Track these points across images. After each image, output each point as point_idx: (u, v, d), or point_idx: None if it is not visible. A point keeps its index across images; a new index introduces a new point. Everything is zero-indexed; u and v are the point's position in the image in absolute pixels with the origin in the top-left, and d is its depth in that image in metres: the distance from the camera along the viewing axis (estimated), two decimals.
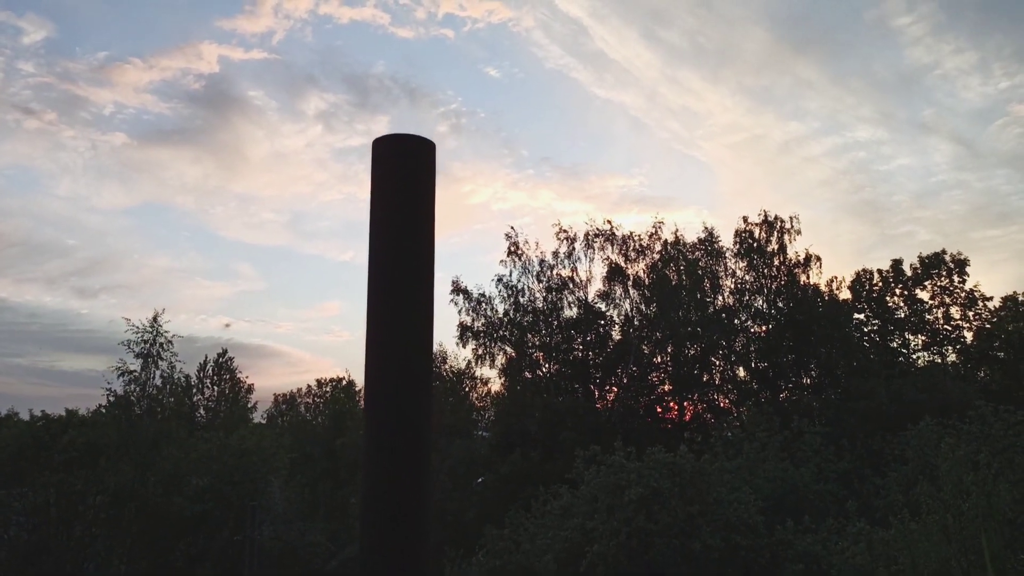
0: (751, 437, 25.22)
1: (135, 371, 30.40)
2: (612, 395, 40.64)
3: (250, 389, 56.98)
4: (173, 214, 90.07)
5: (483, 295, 40.83)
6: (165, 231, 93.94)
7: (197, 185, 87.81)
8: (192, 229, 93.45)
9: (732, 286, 41.19)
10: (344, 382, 65.40)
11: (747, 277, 40.83)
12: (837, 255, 78.63)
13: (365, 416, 1.93)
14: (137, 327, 30.30)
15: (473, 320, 40.45)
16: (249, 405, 57.07)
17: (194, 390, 53.80)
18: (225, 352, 56.61)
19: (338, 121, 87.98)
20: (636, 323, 40.74)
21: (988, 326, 42.20)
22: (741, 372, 40.71)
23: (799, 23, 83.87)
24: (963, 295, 41.81)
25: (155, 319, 30.66)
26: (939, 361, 41.44)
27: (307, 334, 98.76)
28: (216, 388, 55.12)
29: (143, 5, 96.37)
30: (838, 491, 22.92)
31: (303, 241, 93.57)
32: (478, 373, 44.14)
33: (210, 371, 55.33)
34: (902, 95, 77.10)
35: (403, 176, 2.02)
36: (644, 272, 41.14)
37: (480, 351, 40.37)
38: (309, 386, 67.02)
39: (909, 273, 42.50)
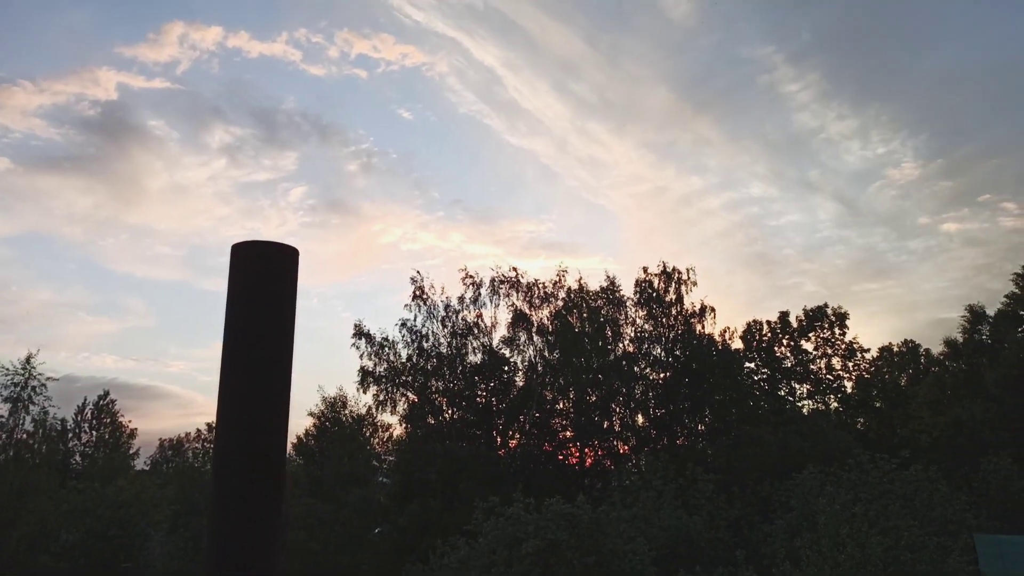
0: (648, 485, 25.70)
1: (1, 416, 28.06)
2: (515, 442, 40.60)
3: (132, 434, 53.58)
4: (58, 245, 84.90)
5: (386, 339, 40.27)
6: (49, 263, 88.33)
7: (87, 215, 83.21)
8: (79, 261, 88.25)
9: (632, 334, 42.30)
10: None
11: (646, 326, 42.03)
12: (731, 304, 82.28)
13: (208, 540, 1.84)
14: (7, 369, 28.06)
15: (375, 365, 39.74)
16: (131, 451, 53.60)
17: (70, 435, 50.13)
18: (107, 394, 53.19)
19: (244, 155, 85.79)
20: (539, 369, 41.07)
21: (866, 376, 44.99)
22: (640, 419, 41.60)
23: (699, 85, 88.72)
24: (843, 346, 44.48)
25: (28, 360, 28.51)
26: (823, 408, 43.71)
27: (201, 374, 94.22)
28: (95, 433, 51.55)
29: (38, 26, 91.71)
30: (729, 539, 23.57)
31: (201, 276, 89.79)
32: (379, 419, 43.24)
33: (89, 414, 51.77)
34: (791, 155, 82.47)
35: (263, 285, 1.97)
36: (548, 319, 41.69)
37: (382, 396, 39.60)
38: (199, 430, 63.60)
39: (795, 324, 44.91)
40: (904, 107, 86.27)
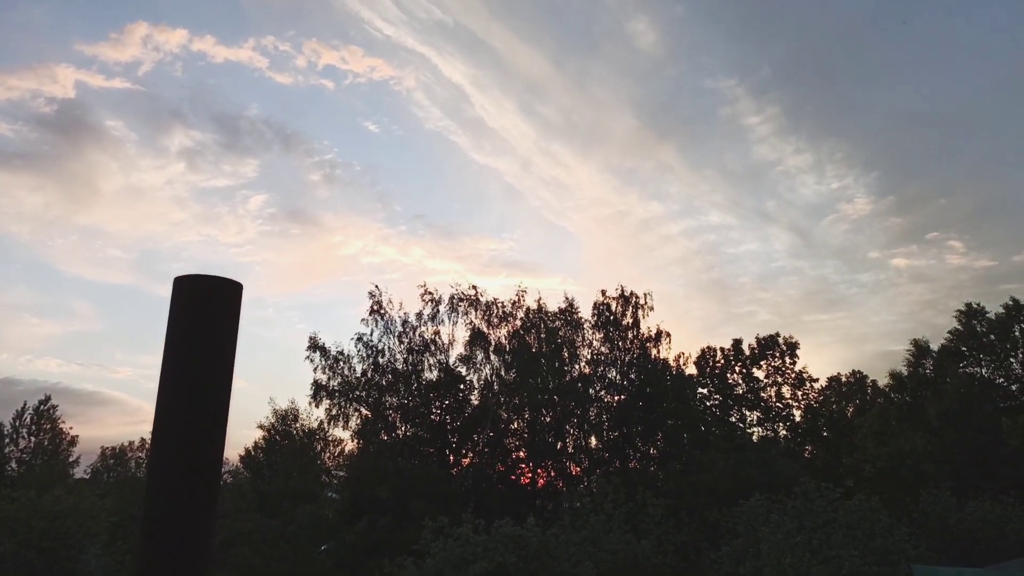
0: (598, 508, 25.76)
1: None
2: (468, 460, 40.38)
3: (73, 441, 51.84)
4: (4, 243, 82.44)
5: (341, 353, 39.82)
6: None
7: (36, 214, 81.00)
8: (25, 261, 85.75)
9: (589, 356, 42.54)
10: None
11: (603, 348, 42.33)
12: (687, 329, 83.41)
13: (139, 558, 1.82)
14: None
15: (329, 379, 39.24)
16: (70, 459, 51.84)
17: (6, 440, 48.34)
18: (48, 399, 51.45)
19: (204, 160, 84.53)
20: (495, 388, 41.00)
21: (815, 405, 45.93)
22: (593, 441, 41.75)
23: (662, 113, 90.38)
24: (793, 375, 45.39)
25: None
26: (772, 436, 44.45)
27: (148, 381, 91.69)
28: (33, 439, 49.76)
29: None
30: (676, 564, 23.73)
31: (152, 281, 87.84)
32: (331, 434, 42.62)
33: (28, 420, 49.98)
34: (750, 186, 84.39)
35: (204, 320, 1.96)
36: (506, 338, 41.71)
37: (335, 411, 39.09)
38: (143, 439, 61.97)
39: (748, 352, 45.70)
40: (858, 145, 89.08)
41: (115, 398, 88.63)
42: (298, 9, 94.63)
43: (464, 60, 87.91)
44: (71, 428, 52.16)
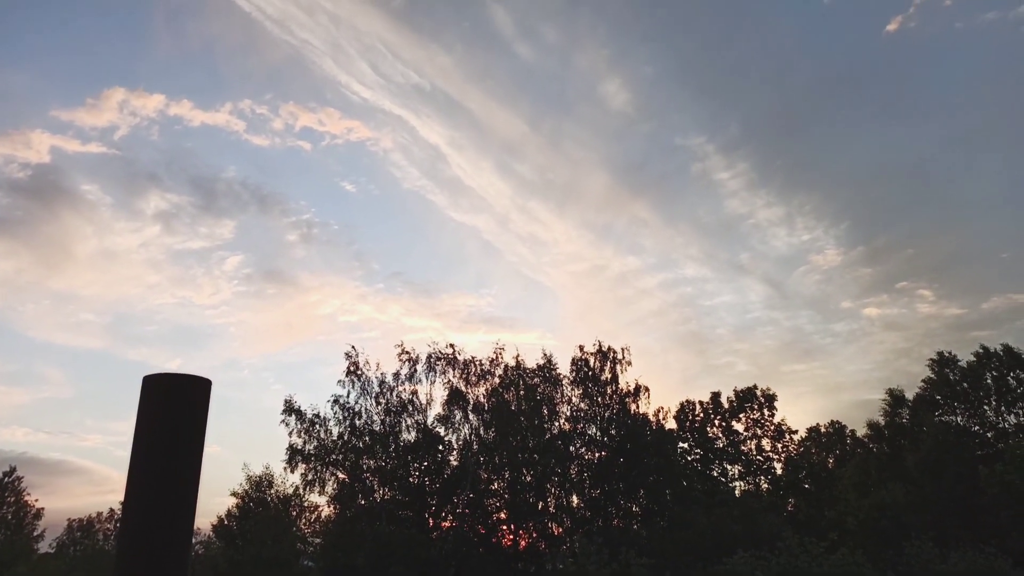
0: (582, 570, 25.29)
1: None
2: (448, 523, 39.54)
3: (38, 514, 50.04)
4: None
5: (317, 416, 39.21)
6: None
7: (7, 279, 79.94)
8: None
9: (568, 413, 42.29)
10: None
11: (582, 404, 42.15)
12: (665, 382, 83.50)
13: None
14: None
15: (305, 442, 38.51)
16: (35, 533, 49.94)
17: None
18: (13, 470, 49.77)
19: (179, 222, 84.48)
20: (475, 448, 40.49)
21: (795, 457, 45.88)
22: (575, 499, 41.16)
23: (636, 170, 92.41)
24: (773, 427, 45.44)
25: None
26: (754, 489, 44.19)
27: (117, 448, 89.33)
28: None
29: None
30: None
31: (124, 346, 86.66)
32: (307, 499, 41.63)
33: None
34: (723, 239, 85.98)
35: (172, 417, 1.99)
36: (484, 396, 41.40)
37: (310, 476, 38.23)
38: (112, 510, 60.03)
39: (727, 405, 45.77)
40: (826, 197, 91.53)
41: (83, 467, 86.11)
42: (276, 73, 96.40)
43: (441, 121, 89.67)
44: (36, 500, 50.45)
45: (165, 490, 1.92)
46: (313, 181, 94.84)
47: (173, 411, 1.99)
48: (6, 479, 49.17)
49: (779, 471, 45.25)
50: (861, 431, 46.18)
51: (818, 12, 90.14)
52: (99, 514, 59.95)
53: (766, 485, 45.29)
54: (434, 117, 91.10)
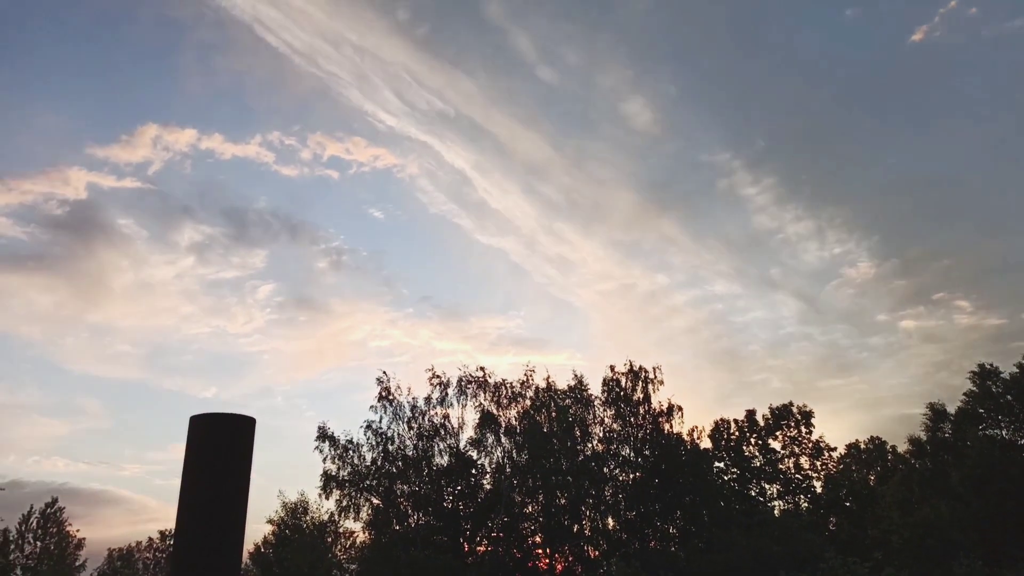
0: None
1: None
2: (482, 548, 39.31)
3: (80, 544, 50.79)
4: (15, 344, 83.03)
5: (351, 442, 39.41)
6: (2, 363, 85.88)
7: (47, 314, 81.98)
8: (34, 361, 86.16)
9: (601, 434, 41.96)
10: None
11: (615, 425, 41.80)
12: (699, 400, 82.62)
13: None
14: None
15: (339, 469, 38.68)
16: (77, 563, 50.66)
17: (12, 547, 47.37)
18: (55, 501, 50.66)
19: (212, 253, 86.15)
20: (508, 471, 40.31)
21: (835, 474, 44.86)
22: (610, 522, 40.68)
23: (662, 188, 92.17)
24: (811, 445, 44.53)
25: None
26: (793, 509, 43.26)
27: (155, 478, 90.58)
28: (39, 544, 48.77)
29: (11, 128, 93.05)
30: None
31: (161, 376, 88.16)
32: (342, 525, 41.70)
33: (34, 523, 49.12)
34: (752, 254, 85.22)
35: (218, 455, 2.06)
36: (516, 419, 41.28)
37: (345, 502, 38.35)
38: (151, 539, 60.78)
39: (762, 423, 45.00)
40: (856, 210, 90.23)
41: (122, 497, 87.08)
42: (303, 105, 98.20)
43: (466, 146, 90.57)
44: (77, 530, 51.24)
45: (213, 526, 1.98)
46: (342, 209, 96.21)
47: (219, 449, 2.05)
48: (48, 510, 50.03)
49: (819, 489, 44.28)
50: (902, 447, 45.06)
51: (841, 24, 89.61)
52: (138, 543, 60.73)
53: (806, 504, 44.33)
54: (459, 142, 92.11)
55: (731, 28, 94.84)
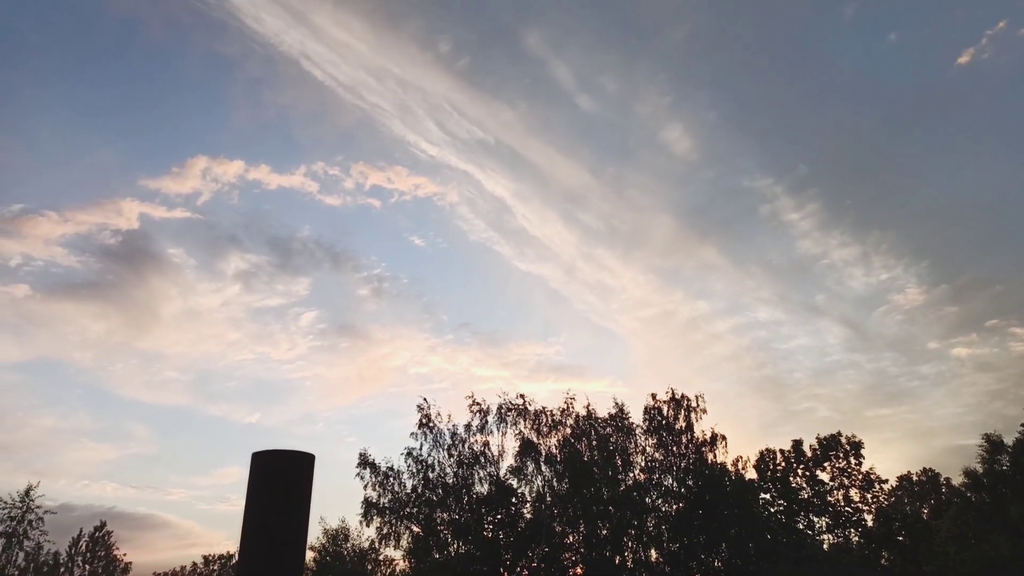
0: None
1: None
2: None
3: (127, 568, 51.48)
4: (67, 371, 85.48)
5: (391, 469, 39.43)
6: (55, 388, 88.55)
7: (99, 341, 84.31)
8: (85, 387, 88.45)
9: (643, 463, 41.35)
10: (235, 559, 60.37)
11: (657, 454, 41.17)
12: (742, 429, 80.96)
13: None
14: (5, 502, 27.57)
15: (379, 496, 38.71)
16: None
17: (62, 569, 48.25)
18: (103, 525, 51.53)
19: (258, 281, 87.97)
20: (548, 500, 39.89)
21: (886, 507, 43.39)
22: (653, 554, 39.90)
23: (701, 214, 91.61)
24: (860, 477, 43.21)
25: (27, 492, 28.06)
26: (843, 543, 41.92)
27: (200, 502, 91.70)
28: (88, 567, 49.63)
29: (68, 161, 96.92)
30: None
31: (207, 402, 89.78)
32: (383, 553, 41.65)
33: (83, 547, 49.99)
34: (796, 280, 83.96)
35: (279, 491, 2.10)
36: (556, 447, 40.92)
37: (385, 530, 38.30)
38: (195, 563, 61.31)
39: (809, 453, 43.87)
40: (904, 235, 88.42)
41: (167, 521, 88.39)
42: (346, 136, 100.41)
43: (505, 174, 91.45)
44: (124, 554, 51.97)
45: (275, 558, 2.01)
46: (383, 237, 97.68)
47: (281, 485, 2.09)
48: (97, 533, 50.92)
49: (870, 523, 42.85)
50: (957, 479, 43.40)
51: (884, 48, 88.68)
52: (183, 567, 61.32)
53: (856, 538, 42.93)
54: (499, 170, 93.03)
55: (770, 53, 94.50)
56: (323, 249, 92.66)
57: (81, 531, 50.68)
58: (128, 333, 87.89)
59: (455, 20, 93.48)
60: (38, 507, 28.26)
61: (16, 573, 29.52)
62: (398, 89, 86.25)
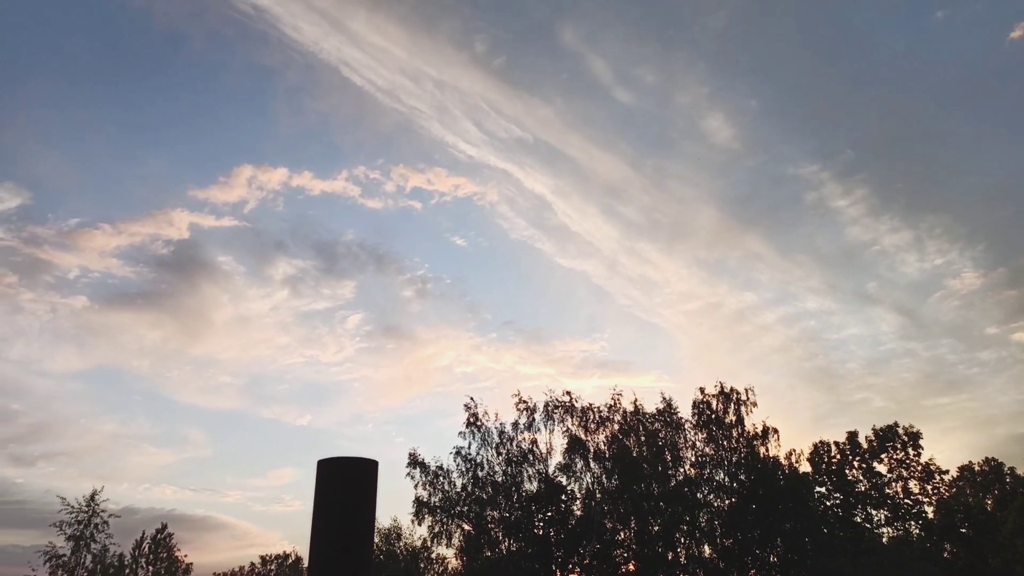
0: None
1: (64, 555, 28.29)
2: (575, 574, 38.80)
3: (188, 569, 52.99)
4: (126, 378, 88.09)
5: (441, 468, 39.77)
6: (115, 396, 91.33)
7: (155, 348, 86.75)
8: (144, 393, 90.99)
9: (693, 458, 40.91)
10: (291, 559, 61.56)
11: (707, 449, 40.68)
12: (795, 422, 79.37)
13: None
14: (72, 507, 28.58)
15: (430, 495, 39.07)
16: None
17: (127, 571, 49.81)
18: (164, 527, 53.08)
19: (305, 285, 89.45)
20: (598, 496, 39.77)
21: (947, 499, 42.14)
22: (707, 549, 39.46)
23: (745, 203, 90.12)
24: (919, 468, 42.04)
25: (93, 497, 29.05)
26: (903, 536, 40.85)
27: (256, 504, 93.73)
28: (151, 568, 51.19)
29: (120, 174, 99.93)
30: None
31: (259, 405, 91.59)
32: (435, 552, 42.01)
33: (146, 549, 51.56)
34: (846, 268, 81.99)
35: (345, 497, 2.14)
36: (605, 443, 40.76)
37: (437, 528, 38.65)
38: (252, 564, 62.86)
39: (865, 445, 42.84)
40: (958, 218, 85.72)
41: (225, 522, 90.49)
42: (386, 139, 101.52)
43: (544, 171, 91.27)
44: (185, 555, 53.47)
45: (344, 563, 2.06)
46: (425, 238, 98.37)
47: (346, 491, 2.14)
48: (159, 535, 52.46)
49: (931, 515, 41.65)
50: (1022, 468, 42.00)
51: (931, 26, 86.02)
52: (241, 568, 62.86)
53: (917, 531, 41.77)
54: (538, 167, 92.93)
55: (811, 37, 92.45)
56: (367, 252, 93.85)
57: (144, 533, 52.25)
58: (182, 340, 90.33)
59: (490, 19, 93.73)
60: (103, 511, 29.23)
61: (84, 575, 30.55)
62: (435, 91, 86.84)
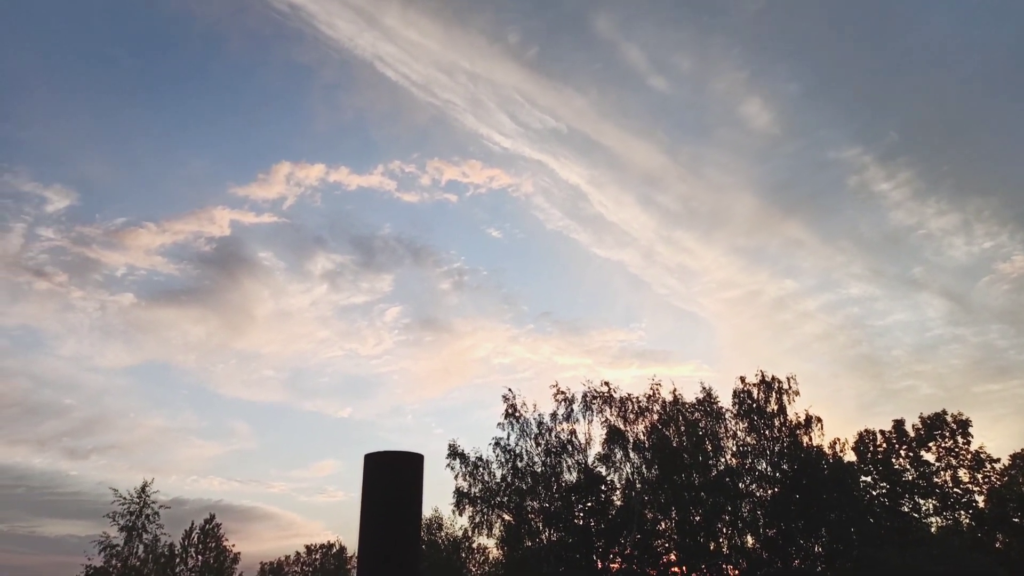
0: None
1: (117, 545, 29.21)
2: (616, 565, 38.78)
3: (236, 559, 54.29)
4: (173, 372, 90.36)
5: (480, 459, 40.02)
6: (163, 390, 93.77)
7: (200, 343, 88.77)
8: (190, 387, 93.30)
9: (734, 448, 40.47)
10: (335, 548, 62.57)
11: (748, 439, 40.22)
12: (839, 411, 78.07)
13: None
14: (124, 498, 29.48)
15: (470, 486, 39.37)
16: None
17: (177, 560, 51.20)
18: (213, 517, 54.43)
19: (343, 280, 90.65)
20: (638, 487, 39.63)
21: (999, 488, 41.06)
22: (749, 539, 39.06)
23: (785, 189, 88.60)
24: (969, 456, 41.02)
25: (143, 488, 29.93)
26: (953, 526, 39.94)
27: (300, 494, 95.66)
28: (200, 557, 52.53)
29: (163, 174, 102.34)
30: None
31: (301, 398, 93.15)
32: (476, 542, 42.35)
33: (195, 539, 52.92)
34: (890, 253, 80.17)
35: (393, 491, 2.17)
36: (644, 434, 40.57)
37: (477, 518, 38.94)
38: (298, 552, 64.08)
39: (912, 434, 41.93)
40: (1006, 201, 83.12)
41: (270, 512, 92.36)
42: (421, 133, 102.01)
43: (579, 161, 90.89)
44: (233, 545, 54.75)
45: (393, 555, 2.08)
46: (461, 230, 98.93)
47: (393, 485, 2.16)
48: (207, 526, 53.80)
49: (981, 504, 40.63)
50: None
51: (975, 3, 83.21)
52: (287, 557, 64.13)
53: (967, 520, 40.79)
54: (572, 158, 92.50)
55: (852, 17, 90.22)
56: (404, 246, 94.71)
57: (193, 524, 53.66)
58: (226, 335, 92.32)
59: (522, 10, 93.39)
60: (154, 502, 30.15)
61: (138, 564, 31.49)
62: (469, 83, 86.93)
